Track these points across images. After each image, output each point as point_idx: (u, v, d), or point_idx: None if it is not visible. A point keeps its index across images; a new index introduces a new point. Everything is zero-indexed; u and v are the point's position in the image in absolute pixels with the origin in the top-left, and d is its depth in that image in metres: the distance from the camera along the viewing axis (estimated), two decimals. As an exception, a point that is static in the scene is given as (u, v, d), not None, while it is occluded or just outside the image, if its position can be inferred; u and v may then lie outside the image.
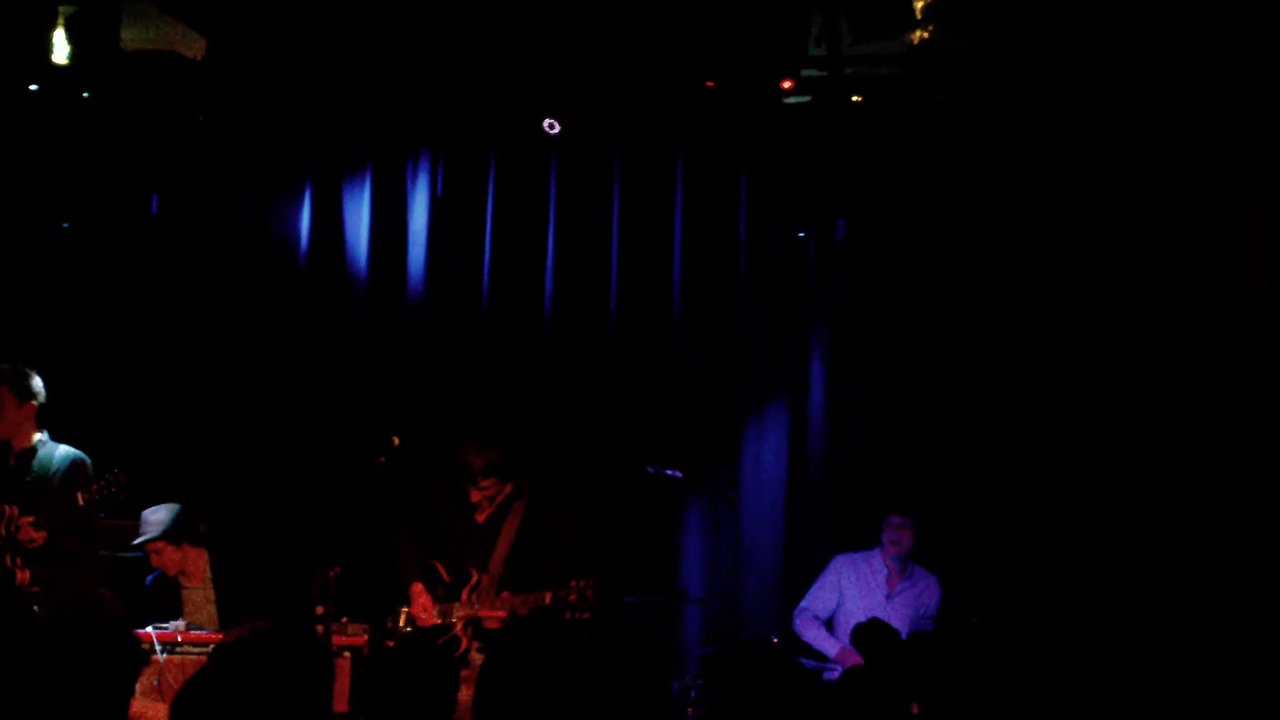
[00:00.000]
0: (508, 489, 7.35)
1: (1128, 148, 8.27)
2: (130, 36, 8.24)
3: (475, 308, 9.05)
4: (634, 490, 8.56)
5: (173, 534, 7.96)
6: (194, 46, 8.36)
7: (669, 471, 8.39)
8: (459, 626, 7.20)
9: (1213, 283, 8.17)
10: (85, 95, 8.29)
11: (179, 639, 7.33)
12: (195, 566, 8.05)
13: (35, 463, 7.55)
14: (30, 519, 7.30)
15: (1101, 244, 8.41)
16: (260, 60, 8.36)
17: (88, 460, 7.63)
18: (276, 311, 9.04)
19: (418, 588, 7.28)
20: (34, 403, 7.56)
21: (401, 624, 7.29)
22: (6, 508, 7.40)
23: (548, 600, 6.98)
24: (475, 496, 7.29)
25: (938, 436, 8.33)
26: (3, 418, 7.51)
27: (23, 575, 7.36)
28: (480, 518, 7.36)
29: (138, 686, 7.11)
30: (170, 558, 7.99)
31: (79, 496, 7.29)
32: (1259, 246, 8.04)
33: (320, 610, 6.95)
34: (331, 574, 6.81)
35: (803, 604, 8.26)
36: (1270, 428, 7.92)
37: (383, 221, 9.16)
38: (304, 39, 8.27)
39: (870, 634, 7.36)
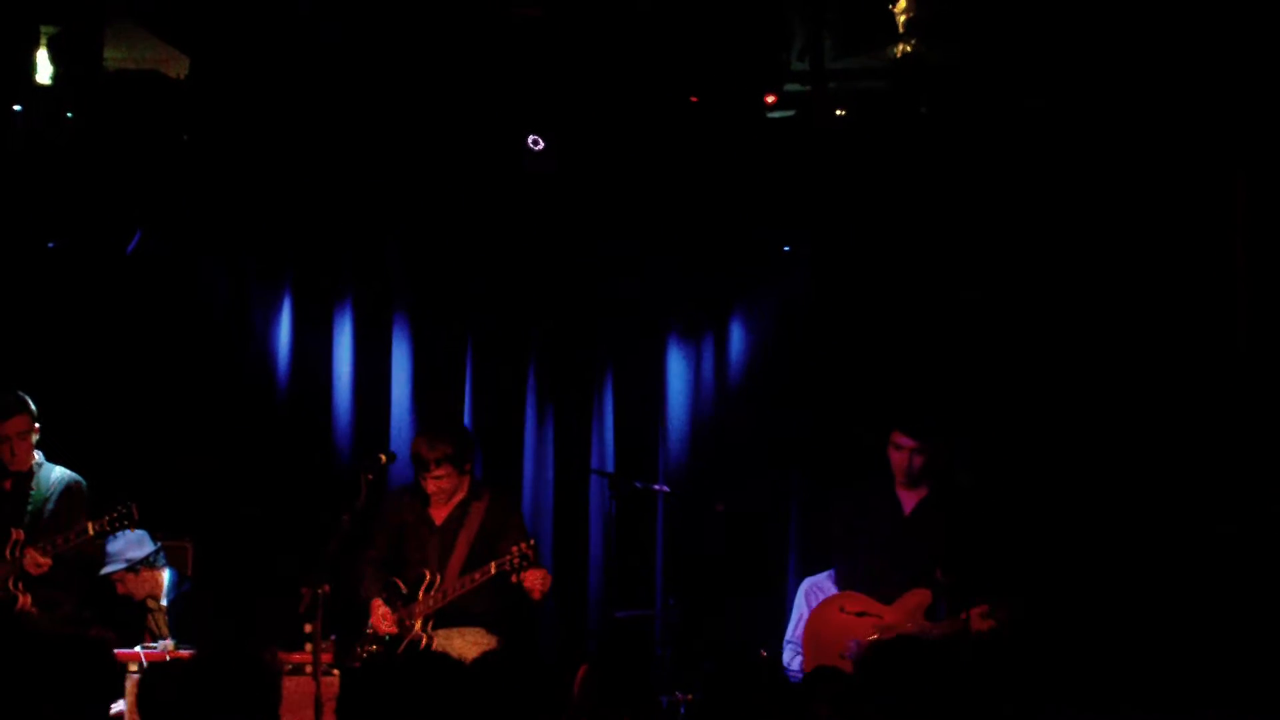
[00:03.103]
0: (464, 488, 7.46)
1: (1110, 161, 8.30)
2: (113, 56, 8.24)
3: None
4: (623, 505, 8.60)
5: (136, 561, 7.99)
6: (177, 66, 8.35)
7: (656, 486, 8.41)
8: (418, 625, 7.33)
9: (1197, 290, 8.22)
10: (69, 115, 8.26)
11: (167, 658, 7.33)
12: (160, 590, 8.08)
13: (34, 485, 7.61)
14: (39, 546, 7.35)
15: (1083, 253, 8.45)
16: (244, 81, 8.35)
17: (84, 482, 7.68)
18: (248, 403, 9.18)
19: (375, 602, 7.39)
20: (38, 425, 7.61)
21: (366, 643, 7.36)
22: (12, 531, 7.43)
23: (493, 570, 7.17)
24: (430, 487, 7.39)
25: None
26: (26, 446, 7.55)
27: (24, 600, 7.40)
28: (439, 519, 7.47)
29: (127, 704, 7.17)
30: (135, 585, 8.02)
31: (90, 526, 7.33)
32: (1240, 257, 8.10)
33: (309, 628, 6.98)
34: (321, 591, 6.82)
35: (786, 637, 8.21)
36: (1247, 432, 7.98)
37: (365, 368, 9.29)
38: (287, 73, 8.32)
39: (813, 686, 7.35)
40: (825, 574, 8.09)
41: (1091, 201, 8.40)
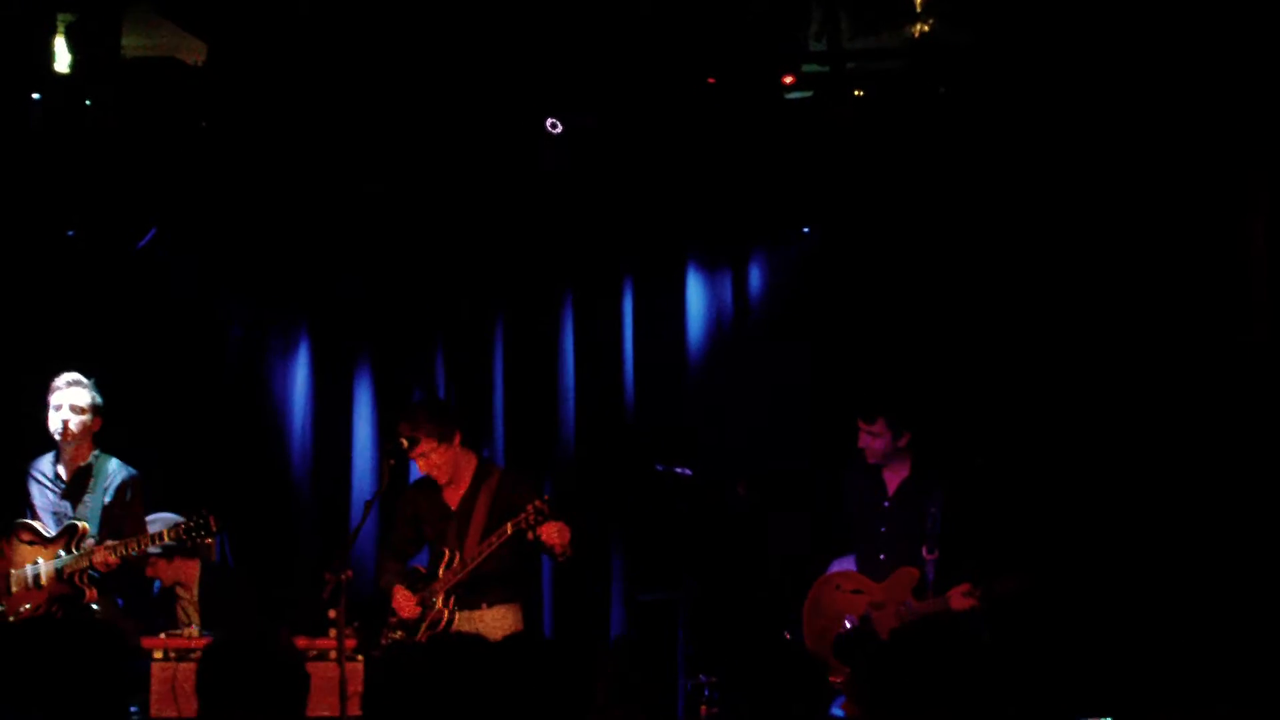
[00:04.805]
0: (470, 467, 7.53)
1: (1127, 135, 8.25)
2: (131, 44, 8.21)
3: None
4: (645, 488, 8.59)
5: (170, 546, 8.02)
6: (195, 52, 8.34)
7: (678, 470, 8.40)
8: (440, 601, 7.36)
9: (1213, 279, 8.16)
10: (87, 103, 8.27)
11: (192, 645, 7.36)
12: (190, 577, 8.11)
13: (94, 479, 7.72)
14: (109, 546, 7.47)
15: (1102, 232, 8.40)
16: (261, 66, 8.35)
17: (139, 475, 7.81)
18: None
19: (397, 587, 7.46)
20: (99, 418, 7.73)
21: (390, 630, 7.42)
22: (79, 526, 7.50)
23: (509, 530, 7.18)
24: (421, 466, 7.47)
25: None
26: (83, 427, 7.65)
27: (91, 594, 7.54)
28: (454, 503, 7.53)
29: (153, 691, 7.19)
30: (166, 569, 8.06)
31: (165, 534, 7.46)
32: (1258, 241, 8.04)
33: (333, 614, 7.00)
34: (344, 577, 6.84)
35: None
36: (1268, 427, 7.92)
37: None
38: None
39: (850, 644, 7.42)
40: (851, 556, 8.10)
41: (1105, 181, 8.35)
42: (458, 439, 7.48)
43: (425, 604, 7.37)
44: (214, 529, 7.42)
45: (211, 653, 4.41)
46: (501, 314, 9.35)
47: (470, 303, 9.32)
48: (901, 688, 4.31)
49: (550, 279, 9.31)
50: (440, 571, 7.41)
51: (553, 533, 7.16)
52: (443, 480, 7.51)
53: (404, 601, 7.38)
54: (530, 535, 7.19)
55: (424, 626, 7.33)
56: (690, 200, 8.99)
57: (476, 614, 7.35)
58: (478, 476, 7.54)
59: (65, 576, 7.49)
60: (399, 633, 7.36)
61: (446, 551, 7.43)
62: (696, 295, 9.22)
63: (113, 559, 7.45)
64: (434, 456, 7.41)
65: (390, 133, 8.59)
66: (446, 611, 7.35)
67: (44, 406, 7.68)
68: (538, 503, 7.14)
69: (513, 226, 9.14)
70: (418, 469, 7.55)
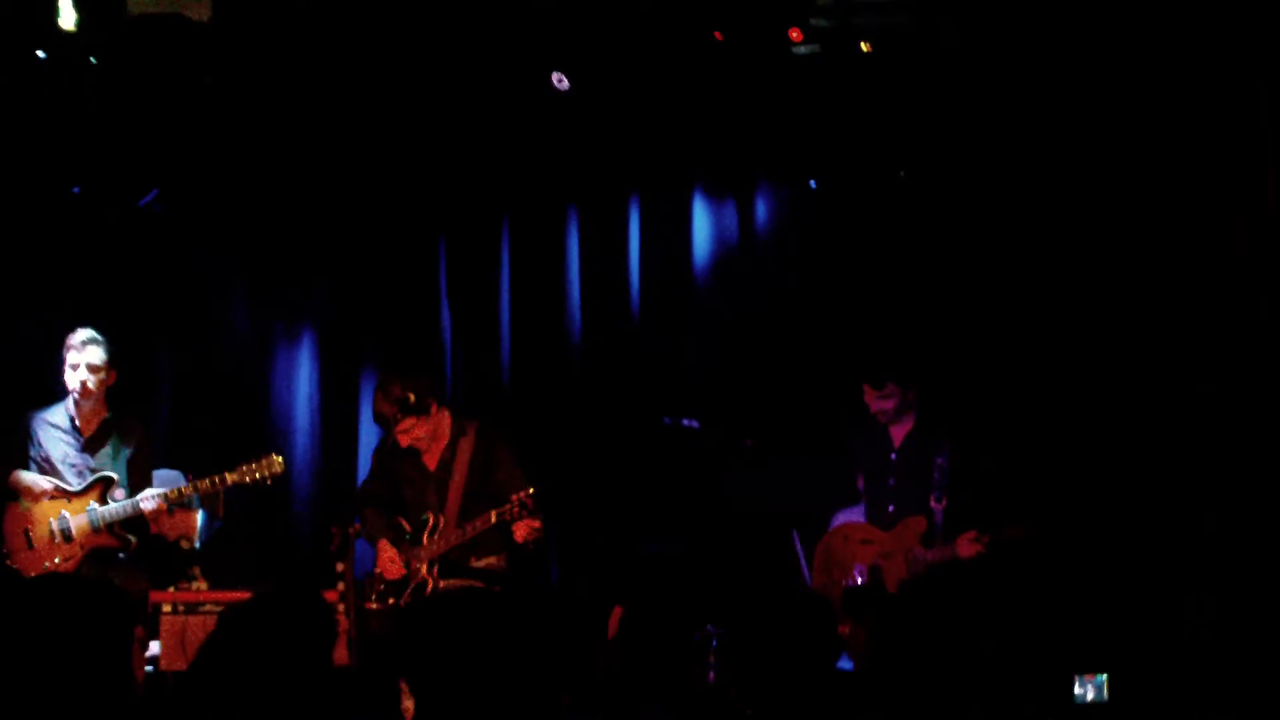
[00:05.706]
0: (445, 429, 7.53)
1: (1141, 92, 8.21)
2: (136, 1, 8.21)
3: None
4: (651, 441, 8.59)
5: (176, 500, 8.05)
6: (201, 9, 8.32)
7: (685, 422, 8.39)
8: (424, 569, 7.40)
9: (1216, 266, 8.11)
10: (93, 60, 8.26)
11: (200, 598, 7.39)
12: (192, 530, 8.15)
13: (116, 433, 7.79)
14: (152, 491, 7.57)
15: (1111, 190, 8.36)
16: (266, 23, 8.33)
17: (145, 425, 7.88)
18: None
19: (383, 543, 7.49)
20: (114, 372, 7.77)
21: (375, 583, 7.47)
22: (112, 477, 7.57)
23: (493, 519, 7.23)
24: (403, 441, 7.46)
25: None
26: (99, 382, 7.70)
27: (135, 543, 7.64)
28: (432, 465, 7.54)
29: (162, 644, 7.23)
30: (169, 524, 8.09)
31: (227, 476, 7.50)
32: (1260, 226, 8.01)
33: (340, 567, 7.03)
34: (351, 531, 6.88)
35: None
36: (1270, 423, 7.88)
37: None
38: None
39: (857, 599, 7.45)
40: (857, 508, 8.08)
41: (1116, 139, 8.31)
42: (433, 407, 7.48)
43: (409, 567, 7.41)
44: (278, 475, 7.51)
45: (252, 606, 4.37)
46: (507, 219, 9.30)
47: (474, 216, 9.29)
48: (906, 643, 4.32)
49: (556, 194, 9.27)
50: (424, 538, 7.46)
51: (521, 531, 7.26)
52: (423, 448, 7.55)
53: (389, 562, 7.42)
54: (513, 526, 7.28)
55: (409, 590, 7.37)
56: (697, 134, 8.98)
57: (459, 581, 7.40)
58: (454, 434, 7.57)
59: (103, 528, 7.53)
60: (380, 586, 7.42)
61: (430, 517, 7.47)
62: (702, 223, 9.23)
63: (163, 505, 7.52)
64: (416, 430, 7.46)
65: (398, 81, 8.55)
66: (431, 579, 7.40)
67: (60, 363, 7.71)
68: (523, 495, 7.18)
69: (518, 148, 9.09)
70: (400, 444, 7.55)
